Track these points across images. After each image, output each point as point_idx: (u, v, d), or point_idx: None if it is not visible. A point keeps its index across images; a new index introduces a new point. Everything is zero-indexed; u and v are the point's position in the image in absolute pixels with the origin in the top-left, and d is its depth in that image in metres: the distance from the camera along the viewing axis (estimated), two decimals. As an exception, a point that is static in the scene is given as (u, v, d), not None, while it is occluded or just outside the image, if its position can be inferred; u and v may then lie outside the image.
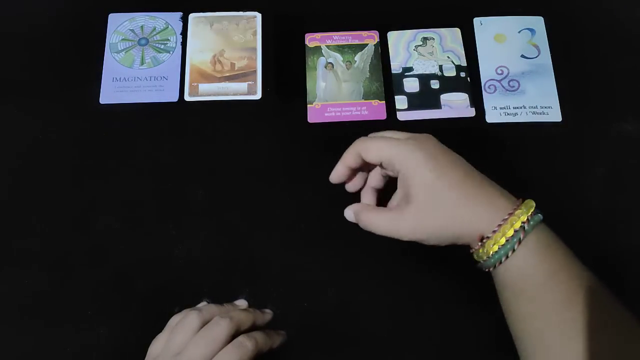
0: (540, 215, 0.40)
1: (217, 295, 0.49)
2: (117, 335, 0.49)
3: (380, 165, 0.44)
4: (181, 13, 0.62)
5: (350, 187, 0.48)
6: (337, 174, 0.47)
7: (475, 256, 0.42)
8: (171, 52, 0.60)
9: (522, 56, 0.60)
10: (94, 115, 0.57)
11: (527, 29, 0.61)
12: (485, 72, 0.59)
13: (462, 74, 0.59)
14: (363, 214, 0.44)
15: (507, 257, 0.40)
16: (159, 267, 0.52)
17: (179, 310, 0.45)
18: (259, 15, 0.62)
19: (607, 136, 0.57)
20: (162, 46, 0.60)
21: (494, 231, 0.40)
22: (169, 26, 0.61)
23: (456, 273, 0.51)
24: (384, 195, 0.47)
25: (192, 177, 0.55)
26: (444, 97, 0.58)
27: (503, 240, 0.39)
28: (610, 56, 0.60)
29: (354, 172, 0.47)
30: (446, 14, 0.62)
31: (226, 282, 0.51)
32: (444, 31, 0.61)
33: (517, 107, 0.58)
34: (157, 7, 0.62)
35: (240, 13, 0.62)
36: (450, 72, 0.59)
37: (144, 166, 0.56)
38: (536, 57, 0.60)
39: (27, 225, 0.53)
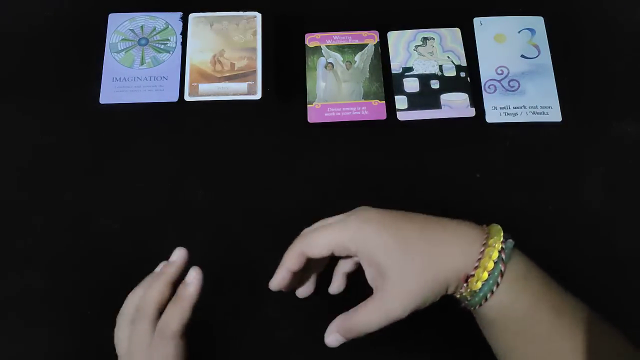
0: (511, 241, 0.39)
1: (217, 295, 0.49)
2: (117, 335, 0.49)
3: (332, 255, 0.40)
4: (181, 13, 0.62)
5: (301, 292, 0.44)
6: (277, 281, 0.41)
7: (460, 297, 0.40)
8: (171, 52, 0.60)
9: (522, 56, 0.60)
10: (94, 115, 0.57)
11: (527, 29, 0.61)
12: (485, 72, 0.59)
13: (462, 74, 0.59)
14: (349, 325, 0.40)
15: (492, 292, 0.38)
16: (159, 267, 0.52)
17: None
18: (259, 15, 0.62)
19: (607, 136, 0.57)
20: (162, 46, 0.60)
21: (476, 267, 0.38)
22: (169, 26, 0.61)
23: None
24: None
25: (192, 177, 0.55)
26: (444, 97, 0.58)
27: (485, 275, 0.37)
28: (610, 56, 0.60)
29: (296, 275, 0.42)
30: (446, 14, 0.62)
31: (226, 282, 0.51)
32: (444, 31, 0.61)
33: (517, 107, 0.58)
34: (157, 7, 0.62)
35: (240, 13, 0.62)
36: (450, 72, 0.59)
37: (144, 166, 0.56)
38: (536, 57, 0.60)
39: (27, 225, 0.53)
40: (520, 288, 0.38)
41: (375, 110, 0.58)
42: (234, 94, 0.58)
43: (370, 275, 0.40)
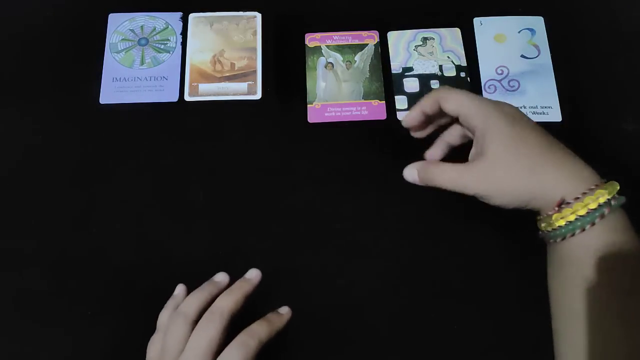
0: (623, 198, 0.39)
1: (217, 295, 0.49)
2: (117, 335, 0.49)
3: (456, 120, 0.43)
4: (181, 13, 0.62)
5: (418, 134, 0.48)
6: (410, 117, 0.46)
7: (542, 224, 0.39)
8: (171, 52, 0.60)
9: (522, 56, 0.60)
10: (94, 115, 0.57)
11: (527, 29, 0.61)
12: (485, 72, 0.59)
13: (462, 74, 0.59)
14: (425, 167, 0.43)
15: (583, 229, 0.37)
16: (159, 267, 0.52)
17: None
18: (259, 15, 0.62)
19: (606, 136, 0.57)
20: (162, 46, 0.60)
21: (577, 198, 0.37)
22: (169, 26, 0.61)
23: (457, 273, 0.51)
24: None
25: (192, 177, 0.55)
26: (444, 97, 0.58)
27: (584, 211, 0.37)
28: (610, 56, 0.60)
29: (425, 120, 0.46)
30: (446, 14, 0.62)
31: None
32: (444, 31, 0.61)
33: (517, 107, 0.58)
34: (157, 7, 0.62)
35: (240, 13, 0.62)
36: (450, 72, 0.59)
37: (144, 166, 0.56)
38: (536, 57, 0.60)
39: (27, 225, 0.53)
40: (615, 239, 0.37)
41: (375, 110, 0.58)
42: (234, 94, 0.58)
43: (473, 151, 0.43)
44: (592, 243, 0.38)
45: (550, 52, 0.60)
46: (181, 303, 0.45)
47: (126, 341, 0.49)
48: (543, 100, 0.58)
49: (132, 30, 0.61)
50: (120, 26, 0.61)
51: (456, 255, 0.52)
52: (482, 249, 0.52)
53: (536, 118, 0.57)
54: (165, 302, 0.48)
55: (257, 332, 0.42)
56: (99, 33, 0.61)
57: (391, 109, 0.58)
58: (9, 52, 0.60)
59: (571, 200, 0.38)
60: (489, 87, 0.59)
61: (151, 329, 0.46)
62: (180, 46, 0.60)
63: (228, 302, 0.43)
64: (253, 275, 0.45)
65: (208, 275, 0.51)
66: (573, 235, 0.38)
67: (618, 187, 0.39)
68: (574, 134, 0.57)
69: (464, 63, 0.60)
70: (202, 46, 0.60)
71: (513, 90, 0.58)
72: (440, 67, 0.59)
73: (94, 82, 0.58)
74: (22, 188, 0.55)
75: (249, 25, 0.61)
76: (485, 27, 0.61)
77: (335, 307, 0.51)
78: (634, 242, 0.38)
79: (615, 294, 0.37)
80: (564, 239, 0.38)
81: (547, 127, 0.57)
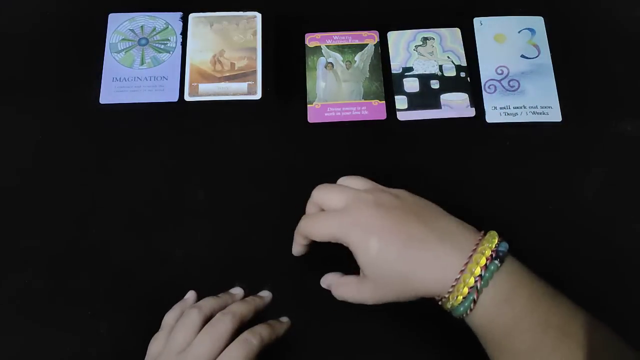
0: (496, 263, 0.39)
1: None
2: (117, 335, 0.49)
3: None
4: (181, 13, 0.62)
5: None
6: (296, 251, 0.49)
7: (447, 305, 0.41)
8: (171, 52, 0.60)
9: (522, 56, 0.60)
10: (94, 115, 0.57)
11: (527, 29, 0.61)
12: (485, 72, 0.59)
13: (462, 74, 0.59)
14: (333, 288, 0.46)
15: (466, 314, 0.39)
16: (159, 267, 0.52)
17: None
18: (259, 15, 0.62)
19: (607, 136, 0.57)
20: (162, 46, 0.60)
21: (449, 292, 0.39)
22: (169, 26, 0.61)
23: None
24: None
25: (192, 177, 0.55)
26: (444, 97, 0.58)
27: (460, 299, 0.39)
28: (610, 56, 0.60)
29: (312, 244, 0.47)
30: (446, 14, 0.62)
31: (226, 282, 0.51)
32: (444, 31, 0.61)
33: (517, 107, 0.58)
34: (157, 7, 0.62)
35: (240, 13, 0.62)
36: (450, 72, 0.59)
37: (144, 166, 0.56)
38: (536, 57, 0.60)
39: (27, 225, 0.53)
40: (499, 310, 0.39)
41: (375, 110, 0.58)
42: (234, 94, 0.58)
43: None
44: (478, 322, 0.40)
45: (550, 52, 0.60)
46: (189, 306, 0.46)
47: (126, 341, 0.49)
48: (543, 100, 0.58)
49: (132, 30, 0.61)
50: (120, 26, 0.61)
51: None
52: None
53: (536, 118, 0.57)
54: (165, 302, 0.48)
55: (260, 332, 0.43)
56: (99, 33, 0.60)
57: (391, 109, 0.58)
58: (9, 52, 0.60)
59: (446, 294, 0.39)
60: (489, 87, 0.59)
61: (151, 329, 0.46)
62: (180, 46, 0.60)
63: (241, 308, 0.45)
64: (265, 294, 0.49)
65: (208, 276, 0.51)
66: (467, 315, 0.40)
67: (489, 251, 0.39)
68: (574, 134, 0.57)
69: (464, 63, 0.60)
70: (202, 46, 0.60)
71: (513, 90, 0.58)
72: (440, 67, 0.59)
73: (94, 82, 0.58)
74: (22, 188, 0.55)
75: (249, 25, 0.61)
76: (485, 27, 0.61)
77: (335, 306, 0.51)
78: (520, 304, 0.39)
79: (520, 354, 0.38)
80: (462, 317, 0.40)
81: (547, 127, 0.58)
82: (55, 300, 0.50)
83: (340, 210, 0.43)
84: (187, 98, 0.58)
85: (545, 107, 0.58)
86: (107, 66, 0.59)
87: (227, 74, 0.59)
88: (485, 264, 0.39)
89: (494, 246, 0.40)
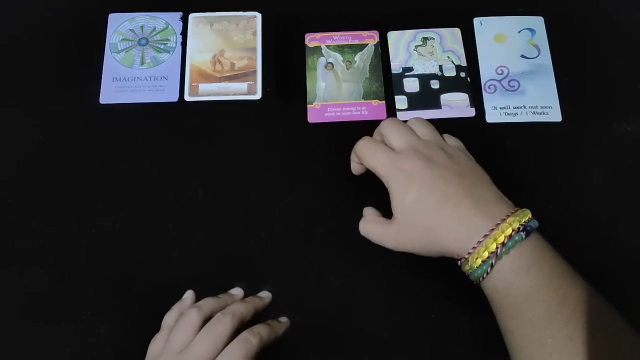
0: (521, 235, 0.41)
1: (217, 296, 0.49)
2: (117, 335, 0.49)
3: None
4: (181, 13, 0.62)
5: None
6: (354, 168, 0.51)
7: (465, 267, 0.43)
8: (171, 52, 0.60)
9: (522, 56, 0.60)
10: (94, 115, 0.57)
11: (527, 29, 0.61)
12: (485, 72, 0.59)
13: (462, 74, 0.59)
14: (362, 221, 0.49)
15: (483, 277, 0.41)
16: (158, 267, 0.52)
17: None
18: (259, 15, 0.62)
19: (607, 136, 0.57)
20: (162, 46, 0.60)
21: (469, 253, 0.41)
22: (169, 26, 0.61)
23: (456, 273, 0.51)
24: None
25: (192, 177, 0.55)
26: (444, 97, 0.58)
27: (479, 262, 0.41)
28: (609, 56, 0.60)
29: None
30: (446, 14, 0.62)
31: (226, 282, 0.51)
32: (444, 31, 0.61)
33: (517, 107, 0.58)
34: (157, 7, 0.62)
35: (240, 13, 0.62)
36: (450, 72, 0.59)
37: (144, 166, 0.56)
38: (536, 57, 0.60)
39: (27, 225, 0.53)
40: (517, 277, 0.40)
41: (375, 110, 0.58)
42: (234, 94, 0.58)
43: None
44: (495, 286, 0.41)
45: (550, 52, 0.60)
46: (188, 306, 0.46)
47: (126, 341, 0.49)
48: (543, 100, 0.58)
49: (132, 30, 0.61)
50: (120, 26, 0.61)
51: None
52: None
53: (536, 118, 0.57)
54: (165, 302, 0.48)
55: (259, 332, 0.43)
56: (99, 33, 0.61)
57: (391, 109, 0.58)
58: (9, 52, 0.60)
59: (466, 255, 0.41)
60: (489, 87, 0.59)
61: (151, 329, 0.46)
62: (180, 46, 0.60)
63: (241, 308, 0.45)
64: (265, 295, 0.49)
65: (208, 275, 0.51)
66: (484, 278, 0.41)
67: (517, 225, 0.41)
68: (574, 134, 0.57)
69: (464, 63, 0.60)
70: (202, 46, 0.60)
71: (513, 90, 0.58)
72: (440, 67, 0.59)
73: (94, 82, 0.58)
74: (22, 188, 0.55)
75: (249, 26, 0.61)
76: (485, 27, 0.61)
77: (334, 306, 0.51)
78: (541, 275, 0.40)
79: (529, 326, 0.40)
80: (480, 281, 0.42)
81: (547, 127, 0.58)
82: (55, 301, 0.50)
83: (394, 151, 0.46)
84: (187, 98, 0.58)
85: (545, 107, 0.58)
86: (107, 66, 0.59)
87: (227, 74, 0.59)
88: (510, 234, 0.40)
89: (523, 221, 0.41)
